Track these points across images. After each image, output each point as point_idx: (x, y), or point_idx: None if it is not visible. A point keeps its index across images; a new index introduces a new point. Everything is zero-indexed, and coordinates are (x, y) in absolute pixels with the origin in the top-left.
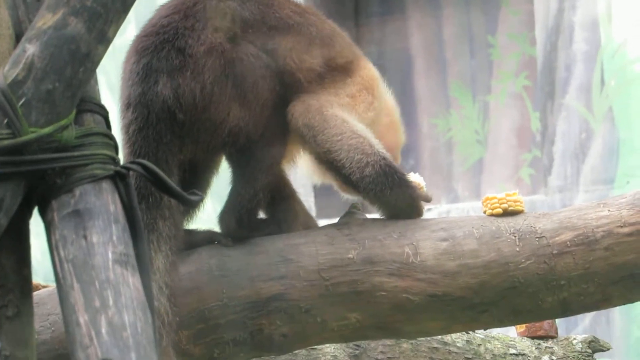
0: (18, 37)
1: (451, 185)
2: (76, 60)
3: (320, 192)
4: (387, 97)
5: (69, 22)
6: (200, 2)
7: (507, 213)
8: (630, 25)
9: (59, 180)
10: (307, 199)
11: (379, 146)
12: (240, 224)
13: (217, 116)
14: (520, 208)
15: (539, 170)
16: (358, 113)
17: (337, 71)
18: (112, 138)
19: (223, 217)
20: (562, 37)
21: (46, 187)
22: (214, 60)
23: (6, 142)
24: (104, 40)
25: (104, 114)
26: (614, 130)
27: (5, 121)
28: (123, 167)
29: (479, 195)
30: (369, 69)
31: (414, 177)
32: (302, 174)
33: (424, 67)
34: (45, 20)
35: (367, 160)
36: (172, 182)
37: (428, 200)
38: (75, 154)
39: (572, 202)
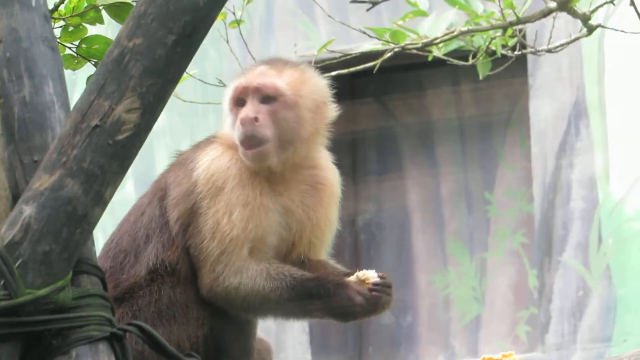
0: (15, 198)
1: (449, 342)
2: (73, 222)
3: (316, 350)
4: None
5: (66, 184)
6: None
7: None
8: (627, 183)
9: (55, 341)
10: (304, 356)
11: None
12: None
13: None
14: None
15: (536, 328)
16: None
17: None
18: (108, 299)
19: None
20: (559, 194)
21: (42, 348)
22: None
23: (2, 304)
24: (101, 201)
25: (100, 275)
26: (611, 288)
27: (2, 282)
28: (120, 328)
29: (476, 352)
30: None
31: (362, 273)
32: (297, 330)
33: (422, 224)
34: (42, 181)
35: None
36: (168, 344)
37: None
38: (72, 315)
39: None
